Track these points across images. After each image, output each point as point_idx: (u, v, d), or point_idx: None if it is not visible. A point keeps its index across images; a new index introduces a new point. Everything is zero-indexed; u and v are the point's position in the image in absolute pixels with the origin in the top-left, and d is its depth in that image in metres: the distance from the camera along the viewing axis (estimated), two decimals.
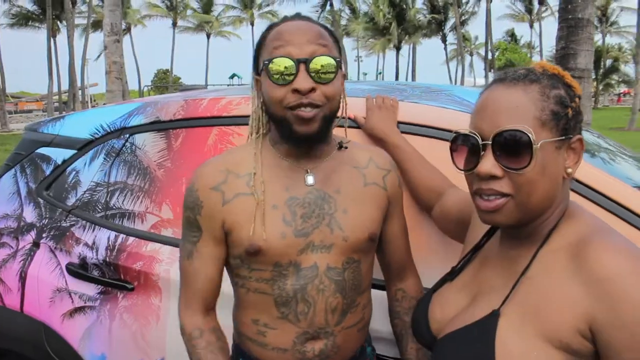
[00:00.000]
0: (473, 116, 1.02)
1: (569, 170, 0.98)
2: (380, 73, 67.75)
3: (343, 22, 56.15)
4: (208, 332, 1.29)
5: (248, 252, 1.22)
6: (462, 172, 1.03)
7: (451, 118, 1.62)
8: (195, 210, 1.26)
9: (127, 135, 2.02)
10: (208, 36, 61.28)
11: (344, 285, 1.26)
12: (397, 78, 53.85)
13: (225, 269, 1.32)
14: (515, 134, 0.93)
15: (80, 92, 37.99)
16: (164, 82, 62.47)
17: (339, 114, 1.28)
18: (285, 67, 1.14)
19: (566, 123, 0.96)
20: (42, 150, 2.22)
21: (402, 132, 1.64)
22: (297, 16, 1.27)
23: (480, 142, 0.96)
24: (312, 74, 1.14)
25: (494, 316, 0.97)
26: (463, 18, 50.69)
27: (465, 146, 1.01)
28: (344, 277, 1.26)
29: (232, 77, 57.63)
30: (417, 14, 50.09)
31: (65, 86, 37.29)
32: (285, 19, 1.26)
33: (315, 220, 1.24)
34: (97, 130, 2.09)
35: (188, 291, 1.31)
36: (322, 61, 1.15)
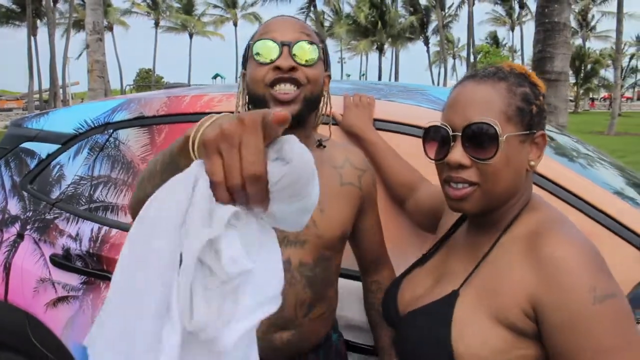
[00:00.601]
0: (445, 110, 1.09)
1: (532, 163, 1.06)
2: (363, 75, 68.02)
3: (327, 23, 56.32)
4: None
5: None
6: (433, 161, 1.10)
7: (425, 116, 1.70)
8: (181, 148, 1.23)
9: (111, 131, 2.07)
10: (191, 36, 61.02)
11: (315, 280, 1.31)
12: (379, 80, 54.24)
13: None
14: (483, 127, 1.00)
15: (61, 90, 37.56)
16: (147, 81, 62.04)
17: (324, 111, 1.33)
18: (269, 47, 1.20)
19: (530, 119, 1.03)
20: (27, 145, 2.26)
21: (378, 129, 1.71)
22: (285, 16, 1.34)
23: (450, 133, 1.03)
24: (294, 57, 1.20)
25: (453, 296, 1.04)
26: (445, 21, 51.08)
27: (437, 137, 1.08)
28: (315, 273, 1.31)
29: (215, 77, 57.42)
30: (398, 17, 50.27)
31: (46, 85, 36.89)
32: (275, 17, 1.32)
33: None
34: (81, 125, 2.14)
35: None
36: (304, 46, 1.21)
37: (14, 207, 2.17)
